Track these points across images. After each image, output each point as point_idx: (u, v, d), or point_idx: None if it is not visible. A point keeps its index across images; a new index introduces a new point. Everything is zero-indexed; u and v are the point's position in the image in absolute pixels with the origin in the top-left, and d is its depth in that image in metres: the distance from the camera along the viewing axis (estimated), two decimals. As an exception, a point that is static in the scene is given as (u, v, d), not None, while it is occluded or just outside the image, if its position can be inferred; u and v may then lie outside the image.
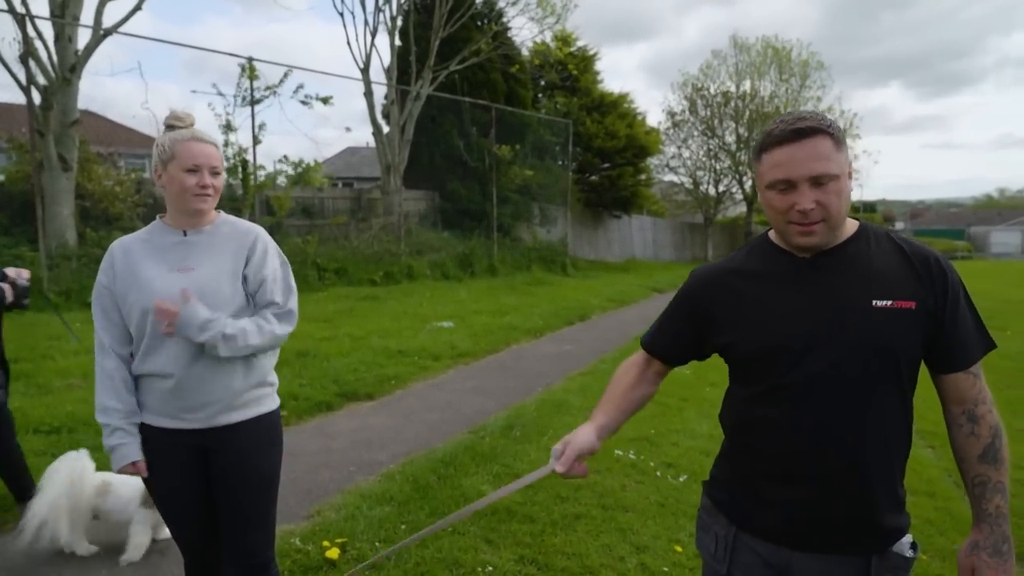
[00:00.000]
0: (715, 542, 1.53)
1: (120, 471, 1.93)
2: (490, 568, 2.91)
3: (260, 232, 2.06)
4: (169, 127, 1.94)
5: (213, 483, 2.01)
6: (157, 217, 2.03)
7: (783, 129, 1.31)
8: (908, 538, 1.41)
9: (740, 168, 33.44)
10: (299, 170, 13.57)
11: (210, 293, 1.90)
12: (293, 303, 2.04)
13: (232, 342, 1.88)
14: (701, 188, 34.45)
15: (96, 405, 1.94)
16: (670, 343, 1.62)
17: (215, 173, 1.94)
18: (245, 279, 1.99)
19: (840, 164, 1.31)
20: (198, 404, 1.92)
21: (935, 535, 3.33)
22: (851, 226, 1.42)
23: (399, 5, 15.36)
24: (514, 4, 17.47)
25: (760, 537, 1.45)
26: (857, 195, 44.66)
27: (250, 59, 11.78)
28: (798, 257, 1.41)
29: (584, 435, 1.50)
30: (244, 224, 2.07)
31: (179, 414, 1.93)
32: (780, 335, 1.38)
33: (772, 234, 1.48)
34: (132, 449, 1.92)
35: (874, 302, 1.33)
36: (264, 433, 2.04)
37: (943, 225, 63.94)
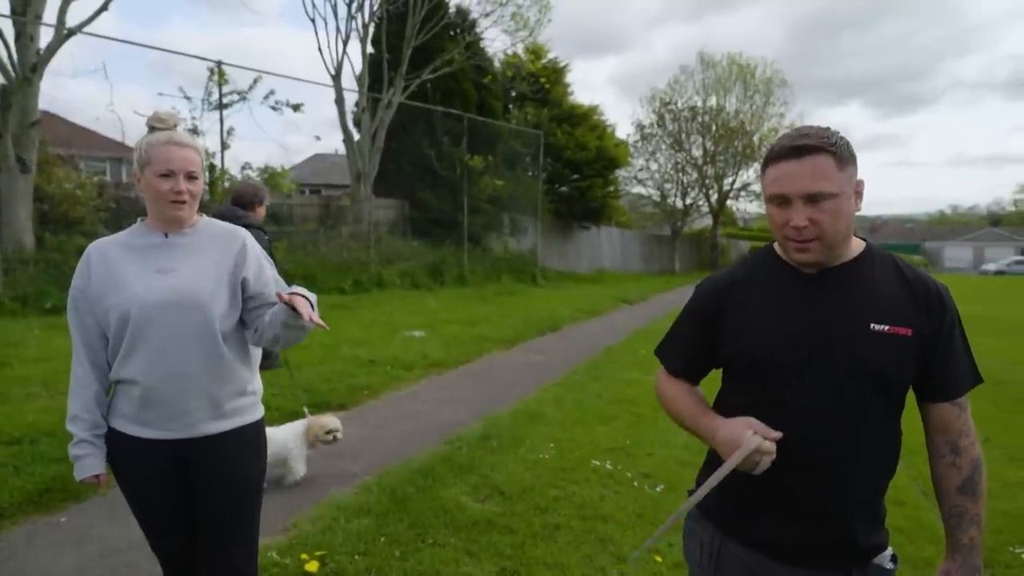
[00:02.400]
0: (700, 549, 1.53)
1: (82, 482, 1.89)
2: (472, 580, 2.89)
3: (247, 235, 2.03)
4: (151, 129, 1.88)
5: (195, 495, 1.95)
6: (138, 220, 1.97)
7: (784, 145, 1.32)
8: (888, 551, 1.44)
9: (707, 181, 34.10)
10: (265, 176, 13.41)
11: (192, 295, 1.85)
12: None
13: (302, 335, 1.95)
14: (668, 200, 35.01)
15: (68, 412, 1.89)
16: (688, 364, 1.60)
17: (192, 178, 1.87)
18: (244, 283, 1.96)
19: (840, 183, 1.30)
20: (177, 413, 1.86)
21: (905, 543, 3.41)
22: (857, 246, 1.42)
23: (372, 12, 15.31)
24: (487, 15, 17.58)
25: (745, 545, 1.46)
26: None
27: (219, 63, 11.62)
28: (803, 272, 1.41)
29: (728, 421, 1.42)
30: (226, 226, 2.02)
31: (158, 423, 1.87)
32: (777, 350, 1.38)
33: (777, 246, 1.48)
34: (95, 461, 1.88)
35: (872, 325, 1.34)
36: (249, 443, 2.00)
37: (900, 240, 65.88)
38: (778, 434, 1.33)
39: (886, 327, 1.33)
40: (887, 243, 62.22)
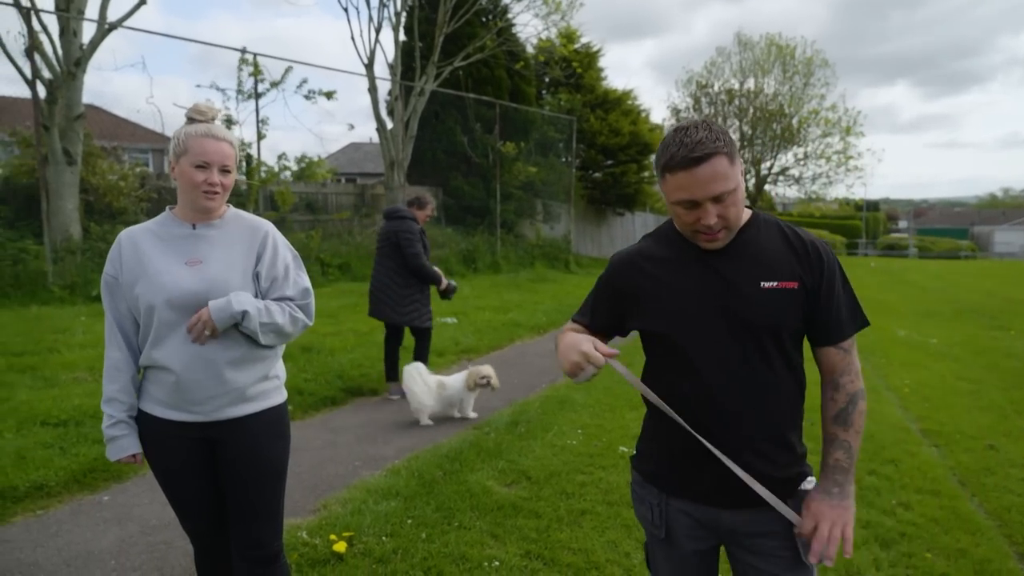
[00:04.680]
0: (650, 511, 1.67)
1: (118, 461, 1.96)
2: (497, 563, 2.92)
3: (270, 228, 2.07)
4: (190, 120, 1.94)
5: (221, 475, 2.02)
6: (167, 208, 2.03)
7: (684, 156, 1.41)
8: (811, 479, 1.59)
9: (744, 166, 33.44)
10: (302, 165, 13.59)
11: (219, 286, 1.91)
12: (311, 299, 2.05)
13: (269, 332, 1.95)
14: (704, 186, 34.41)
15: (103, 394, 1.96)
16: (589, 319, 1.77)
17: (225, 171, 1.92)
18: (257, 276, 1.99)
19: (735, 176, 1.44)
20: (203, 397, 1.93)
21: (940, 534, 3.34)
22: (745, 214, 1.57)
23: (403, 0, 15.33)
24: (519, 0, 17.43)
25: (688, 499, 1.60)
26: (860, 194, 44.56)
27: (254, 54, 11.78)
28: (699, 246, 1.55)
29: (570, 335, 1.63)
30: (253, 219, 2.07)
31: (185, 406, 1.93)
32: (679, 315, 1.54)
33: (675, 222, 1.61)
34: (131, 441, 1.95)
35: (763, 284, 1.49)
36: (271, 426, 2.05)
37: (947, 224, 63.80)
38: (609, 350, 1.52)
39: (775, 283, 1.49)
40: (933, 228, 60.32)
